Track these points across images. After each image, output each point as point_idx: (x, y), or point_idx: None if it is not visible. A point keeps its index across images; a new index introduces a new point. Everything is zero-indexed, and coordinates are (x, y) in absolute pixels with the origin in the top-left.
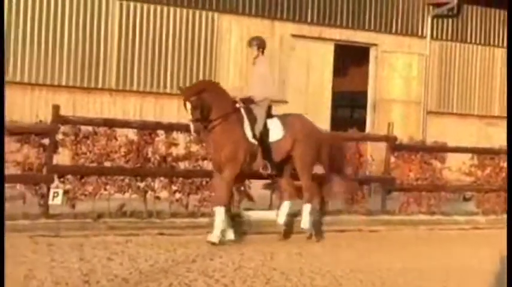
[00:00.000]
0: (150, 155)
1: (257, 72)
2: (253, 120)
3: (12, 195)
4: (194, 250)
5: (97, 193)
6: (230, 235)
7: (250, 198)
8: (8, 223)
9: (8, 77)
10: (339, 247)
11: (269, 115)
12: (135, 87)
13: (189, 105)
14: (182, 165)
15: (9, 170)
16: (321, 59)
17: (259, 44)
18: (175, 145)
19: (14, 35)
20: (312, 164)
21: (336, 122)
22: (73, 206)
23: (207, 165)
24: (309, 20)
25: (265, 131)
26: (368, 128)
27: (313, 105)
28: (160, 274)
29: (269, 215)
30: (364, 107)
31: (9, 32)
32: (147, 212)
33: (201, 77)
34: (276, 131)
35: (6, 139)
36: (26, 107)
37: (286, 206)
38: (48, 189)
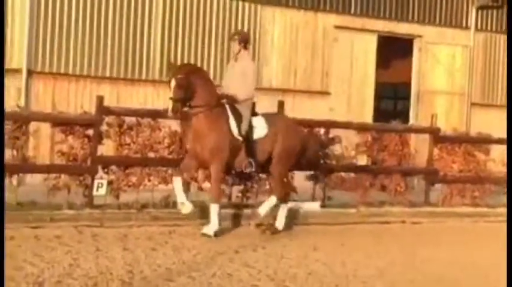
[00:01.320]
0: None
1: (238, 68)
2: (238, 119)
3: (57, 185)
4: (237, 241)
5: (141, 184)
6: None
7: (293, 189)
8: (53, 212)
9: (53, 68)
10: (382, 238)
11: (253, 113)
12: None
13: (173, 82)
14: None
15: (55, 160)
16: (364, 51)
17: (241, 38)
18: None
19: (58, 28)
20: (288, 162)
21: (379, 114)
22: (117, 197)
23: None
24: (352, 11)
25: (250, 128)
26: (411, 120)
27: (356, 96)
28: (203, 264)
29: (312, 206)
30: (408, 98)
31: (53, 24)
32: (190, 203)
33: None
34: (259, 129)
35: (53, 130)
36: (70, 98)
37: (272, 200)
38: (93, 180)
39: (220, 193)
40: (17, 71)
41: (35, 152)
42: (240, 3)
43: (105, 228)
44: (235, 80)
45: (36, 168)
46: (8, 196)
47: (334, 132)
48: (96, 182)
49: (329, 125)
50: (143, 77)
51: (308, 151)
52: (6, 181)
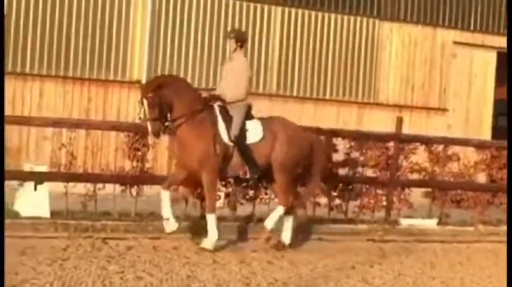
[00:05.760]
0: None
1: (232, 68)
2: (228, 123)
3: (175, 197)
4: (353, 256)
5: (257, 197)
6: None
7: (410, 206)
8: None
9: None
10: (500, 258)
11: (249, 116)
12: (294, 93)
13: (145, 103)
14: (342, 171)
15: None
16: (483, 67)
17: (237, 37)
18: (335, 150)
19: (178, 41)
20: (292, 168)
21: (498, 131)
22: (234, 209)
23: (367, 171)
24: (471, 27)
25: (243, 132)
26: None
27: (474, 113)
28: (319, 279)
29: (429, 223)
30: None
31: (173, 37)
32: (306, 217)
33: (360, 84)
34: (254, 133)
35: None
36: None
37: (278, 211)
38: None
39: (215, 202)
40: (137, 83)
41: (153, 163)
42: (358, 18)
43: (222, 240)
44: (228, 80)
45: (155, 179)
46: (127, 207)
47: (452, 149)
48: None
49: (448, 142)
50: (260, 90)
51: (315, 158)
52: (127, 192)
